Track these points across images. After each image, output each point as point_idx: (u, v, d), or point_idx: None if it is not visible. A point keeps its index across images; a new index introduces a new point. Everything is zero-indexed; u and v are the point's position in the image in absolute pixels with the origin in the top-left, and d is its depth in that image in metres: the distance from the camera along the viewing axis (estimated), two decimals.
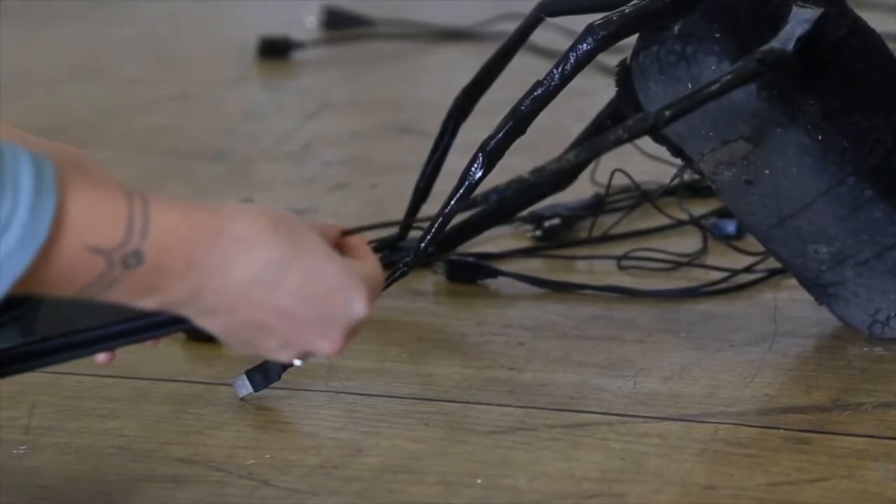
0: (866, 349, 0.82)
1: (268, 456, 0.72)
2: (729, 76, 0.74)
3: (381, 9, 1.42)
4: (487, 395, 0.78)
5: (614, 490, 0.69)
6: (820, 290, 0.82)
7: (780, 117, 0.78)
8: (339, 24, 1.39)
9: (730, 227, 0.96)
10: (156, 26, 1.51)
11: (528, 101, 0.78)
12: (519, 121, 0.78)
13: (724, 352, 0.82)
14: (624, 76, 0.83)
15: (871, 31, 0.80)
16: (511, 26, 1.27)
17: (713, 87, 0.74)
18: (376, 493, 0.69)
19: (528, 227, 0.97)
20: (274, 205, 1.04)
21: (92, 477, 0.71)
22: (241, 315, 0.61)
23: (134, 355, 0.83)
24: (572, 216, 0.98)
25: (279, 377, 0.78)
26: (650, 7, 0.78)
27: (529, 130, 0.80)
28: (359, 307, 0.62)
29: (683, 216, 0.96)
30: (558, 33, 0.97)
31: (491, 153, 0.78)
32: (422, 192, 0.90)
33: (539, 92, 0.78)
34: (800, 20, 0.76)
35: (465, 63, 1.31)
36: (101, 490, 0.70)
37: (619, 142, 0.71)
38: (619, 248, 0.94)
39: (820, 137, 0.78)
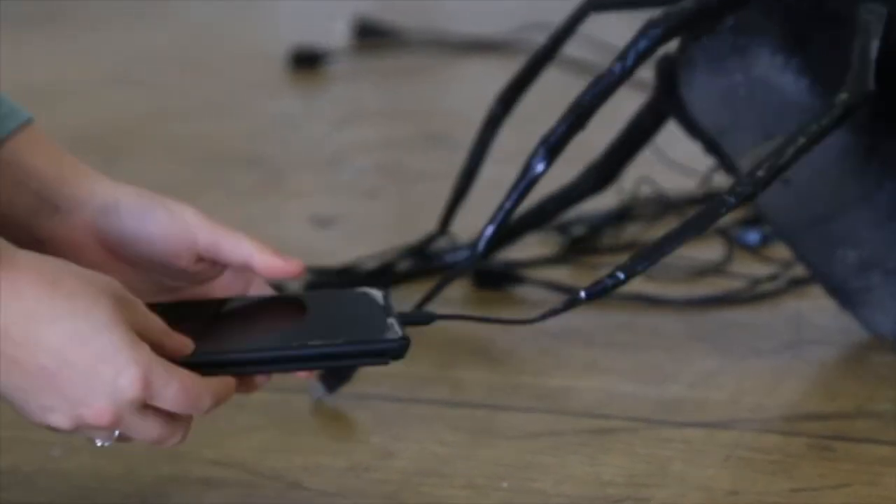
0: (890, 357, 0.83)
1: (299, 459, 0.74)
2: (815, 127, 0.73)
3: (411, 20, 1.43)
4: (515, 401, 0.79)
5: (640, 494, 0.70)
6: (845, 296, 0.83)
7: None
8: (369, 35, 1.41)
9: (754, 235, 0.97)
10: (189, 34, 1.53)
11: (588, 96, 0.78)
12: (579, 116, 0.78)
13: (749, 359, 0.83)
14: (666, 69, 0.83)
15: None
16: (541, 37, 1.28)
17: (801, 141, 0.73)
18: (405, 495, 0.71)
19: (555, 234, 0.98)
20: (305, 211, 1.06)
21: (126, 479, 0.73)
22: (3, 359, 0.60)
23: None
24: (598, 224, 0.99)
25: (350, 377, 0.78)
26: (710, 2, 0.79)
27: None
28: (125, 384, 0.60)
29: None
30: (584, 47, 0.98)
31: (552, 147, 0.78)
32: (460, 191, 0.90)
33: (599, 87, 0.78)
34: (870, 42, 0.75)
35: (494, 74, 1.32)
36: (136, 491, 0.71)
37: (727, 211, 0.72)
38: None
39: (866, 141, 0.79)
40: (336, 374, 0.79)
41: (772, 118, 0.80)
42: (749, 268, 0.93)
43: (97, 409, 0.61)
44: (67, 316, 0.60)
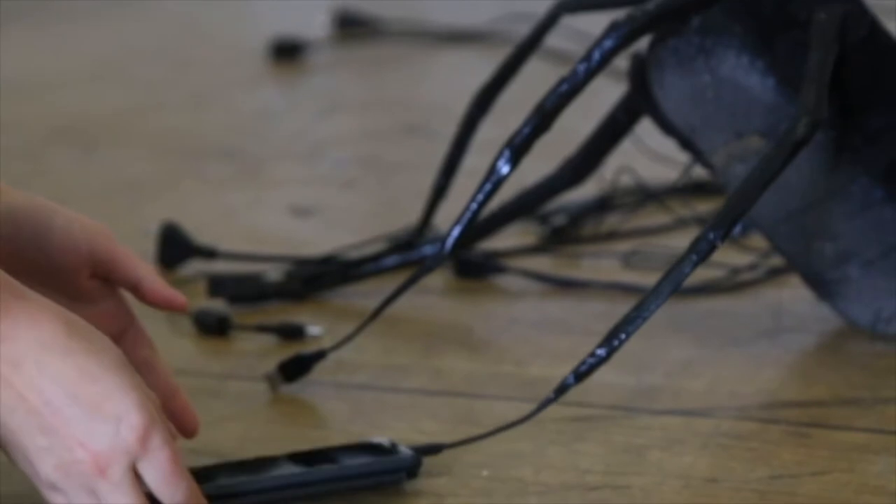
0: (867, 346, 0.83)
1: (277, 448, 0.74)
2: (769, 165, 0.74)
3: (391, 10, 1.43)
4: (494, 389, 0.79)
5: (618, 482, 0.70)
6: (823, 288, 0.83)
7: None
8: (349, 25, 1.40)
9: None
10: (169, 26, 1.52)
11: (552, 98, 0.78)
12: (544, 117, 0.78)
13: (727, 348, 0.83)
14: (638, 69, 0.84)
15: (889, 33, 0.81)
16: (521, 27, 1.27)
17: (759, 180, 0.73)
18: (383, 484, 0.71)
19: (535, 224, 0.98)
20: (284, 201, 1.07)
21: None
22: (10, 392, 0.59)
23: None
24: (578, 214, 0.99)
25: (309, 370, 0.78)
26: (674, 3, 0.79)
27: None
28: (127, 427, 0.60)
29: (688, 213, 0.97)
30: (565, 37, 0.98)
31: (517, 148, 0.78)
32: (440, 190, 0.91)
33: (564, 88, 0.78)
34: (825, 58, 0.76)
35: (475, 64, 1.32)
36: None
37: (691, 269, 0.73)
38: (624, 246, 0.95)
39: (835, 135, 0.79)
40: (297, 365, 0.78)
41: (741, 117, 0.80)
42: (728, 257, 0.93)
43: (92, 451, 0.59)
44: (81, 352, 0.59)
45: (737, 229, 0.96)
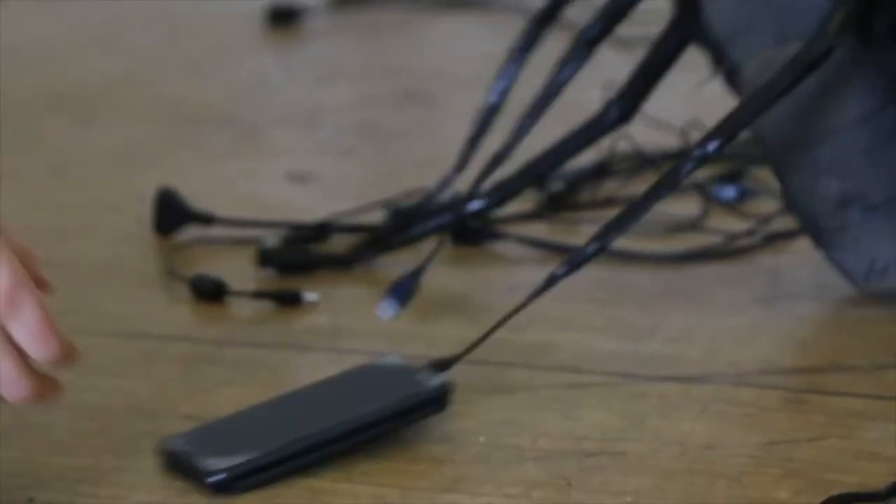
0: (865, 312, 0.83)
1: None
2: (775, 85, 0.72)
3: None
4: (490, 356, 0.79)
5: (615, 448, 0.70)
6: (820, 234, 0.81)
7: (848, 22, 0.76)
8: None
9: (730, 191, 0.97)
10: None
11: None
12: (616, 9, 0.77)
13: (724, 314, 0.83)
14: None
15: None
16: None
17: (768, 93, 0.72)
18: (379, 448, 0.71)
19: (533, 190, 0.98)
20: (282, 169, 1.06)
21: (102, 434, 0.73)
22: None
23: (142, 317, 0.85)
24: (576, 180, 0.99)
25: (417, 292, 0.78)
26: None
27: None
28: None
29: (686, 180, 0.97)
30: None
31: (589, 43, 0.76)
32: (480, 132, 0.87)
33: None
34: None
35: (474, 31, 1.32)
36: (112, 447, 0.71)
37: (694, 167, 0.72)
38: None
39: (879, 55, 0.77)
40: (405, 289, 0.78)
41: (789, 19, 0.78)
42: (725, 223, 0.93)
43: None
44: None
45: (733, 194, 0.97)
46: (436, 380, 0.71)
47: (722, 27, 0.80)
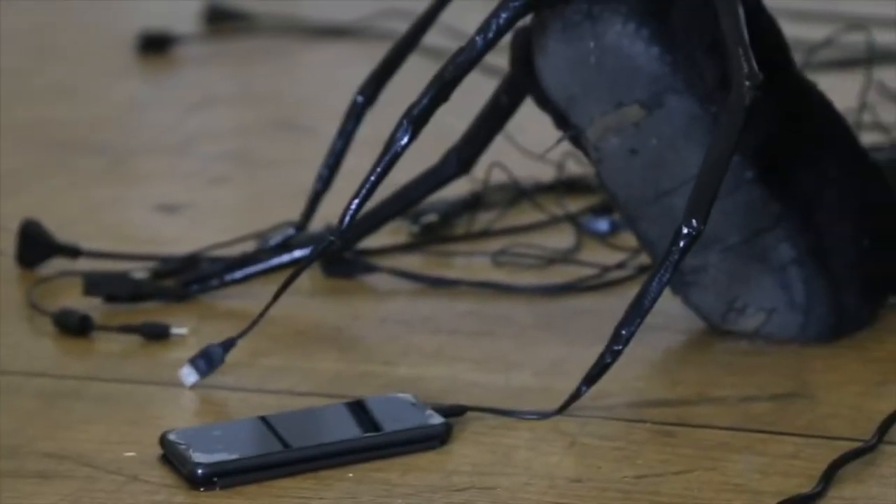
0: (732, 344, 0.84)
1: (137, 451, 0.72)
2: (724, 142, 0.74)
3: (262, 4, 1.42)
4: (362, 389, 0.78)
5: (484, 483, 0.70)
6: (678, 278, 0.83)
7: (679, 83, 0.79)
8: (220, 19, 1.38)
9: (603, 223, 0.97)
10: (37, 17, 1.49)
11: (451, 68, 0.78)
12: (442, 87, 0.78)
13: (596, 347, 0.83)
14: (520, 40, 0.83)
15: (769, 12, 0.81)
16: (393, 23, 1.27)
17: (721, 151, 0.73)
18: (246, 489, 0.70)
19: (406, 222, 0.98)
20: (151, 198, 1.04)
21: None
22: None
23: (4, 352, 0.82)
24: (450, 212, 0.99)
25: (223, 360, 0.78)
26: None
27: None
28: None
29: (560, 212, 0.98)
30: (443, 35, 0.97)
31: (416, 119, 0.77)
32: (324, 181, 0.89)
33: (462, 58, 0.78)
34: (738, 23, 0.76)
35: (347, 59, 1.31)
36: None
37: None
38: (495, 245, 0.95)
39: (713, 110, 0.79)
40: (207, 357, 0.78)
41: (622, 86, 0.80)
42: (598, 255, 0.93)
43: None
44: None
45: (605, 226, 0.97)
46: (438, 419, 0.73)
47: (559, 93, 0.82)
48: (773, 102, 0.80)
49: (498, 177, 0.99)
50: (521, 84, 0.85)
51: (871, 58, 1.12)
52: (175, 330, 0.83)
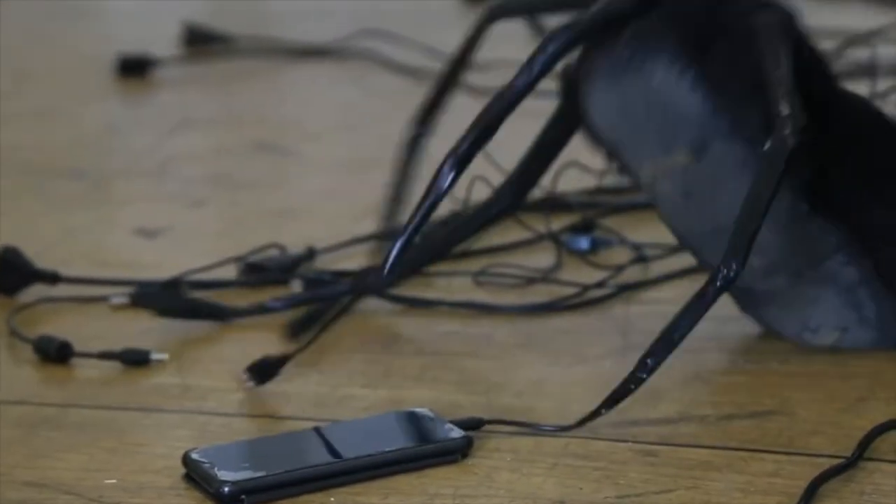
0: (713, 363, 0.84)
1: (119, 479, 0.72)
2: (765, 187, 0.74)
3: (241, 26, 1.41)
4: (342, 413, 0.78)
5: None
6: (750, 298, 0.83)
7: (724, 128, 0.79)
8: (199, 41, 1.38)
9: (584, 242, 0.97)
10: (13, 40, 1.49)
11: (494, 108, 0.77)
12: (485, 129, 0.77)
13: (577, 366, 0.83)
14: (569, 81, 0.83)
15: (813, 46, 0.81)
16: (371, 43, 1.27)
17: (760, 202, 0.74)
18: None
19: (388, 242, 0.97)
20: (130, 222, 1.04)
21: None
22: None
23: None
24: (431, 231, 0.98)
25: (278, 372, 0.79)
26: (613, 10, 0.78)
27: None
28: None
29: (542, 229, 0.97)
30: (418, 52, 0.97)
31: (460, 160, 0.77)
32: (387, 225, 0.89)
33: (505, 99, 0.77)
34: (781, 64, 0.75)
35: (326, 80, 1.31)
36: None
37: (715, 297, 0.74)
38: (476, 264, 0.95)
39: (760, 151, 0.78)
40: (265, 367, 0.79)
41: (668, 132, 0.80)
42: (579, 274, 0.93)
43: None
44: None
45: (586, 244, 0.97)
46: (458, 432, 0.74)
47: (608, 136, 0.82)
48: (823, 134, 0.79)
49: (480, 192, 0.99)
50: (570, 117, 0.84)
51: (875, 72, 1.13)
52: (155, 356, 0.83)
